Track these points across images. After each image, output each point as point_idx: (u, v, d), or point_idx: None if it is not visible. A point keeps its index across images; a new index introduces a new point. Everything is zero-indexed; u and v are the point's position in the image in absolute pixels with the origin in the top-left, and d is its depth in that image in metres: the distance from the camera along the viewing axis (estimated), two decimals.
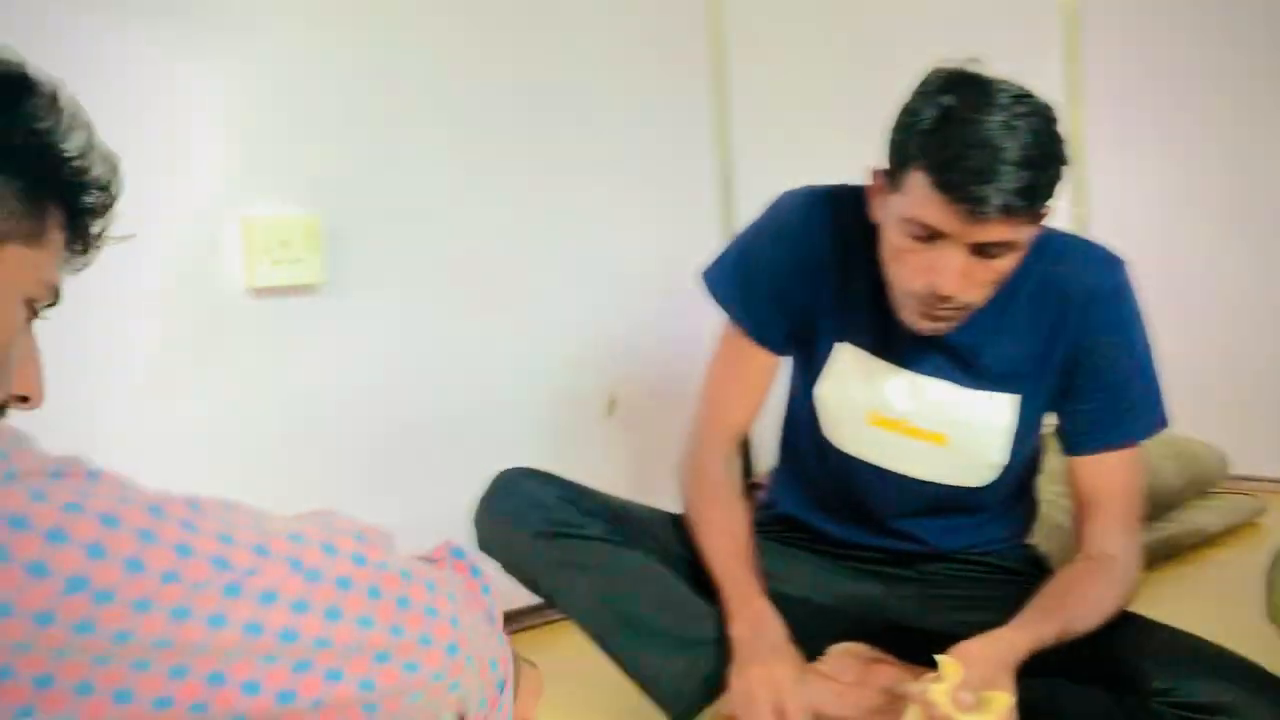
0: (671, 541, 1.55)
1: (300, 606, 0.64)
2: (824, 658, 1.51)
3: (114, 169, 0.82)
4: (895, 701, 1.43)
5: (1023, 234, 1.28)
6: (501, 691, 0.78)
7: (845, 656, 1.53)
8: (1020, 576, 1.56)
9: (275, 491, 1.05)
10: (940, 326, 1.35)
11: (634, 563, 1.48)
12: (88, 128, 0.79)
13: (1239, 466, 2.63)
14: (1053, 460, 1.59)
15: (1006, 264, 1.30)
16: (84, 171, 0.79)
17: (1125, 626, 1.38)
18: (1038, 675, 1.30)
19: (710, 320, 1.58)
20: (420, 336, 1.89)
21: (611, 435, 2.12)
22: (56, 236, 0.79)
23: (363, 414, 1.83)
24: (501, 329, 1.98)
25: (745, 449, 2.28)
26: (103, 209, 0.82)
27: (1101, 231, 2.29)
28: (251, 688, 0.62)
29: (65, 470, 0.60)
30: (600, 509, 1.53)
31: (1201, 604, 1.98)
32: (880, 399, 1.48)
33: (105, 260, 1.66)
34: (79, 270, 0.84)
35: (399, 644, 0.67)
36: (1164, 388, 1.47)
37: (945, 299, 1.30)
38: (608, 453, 2.10)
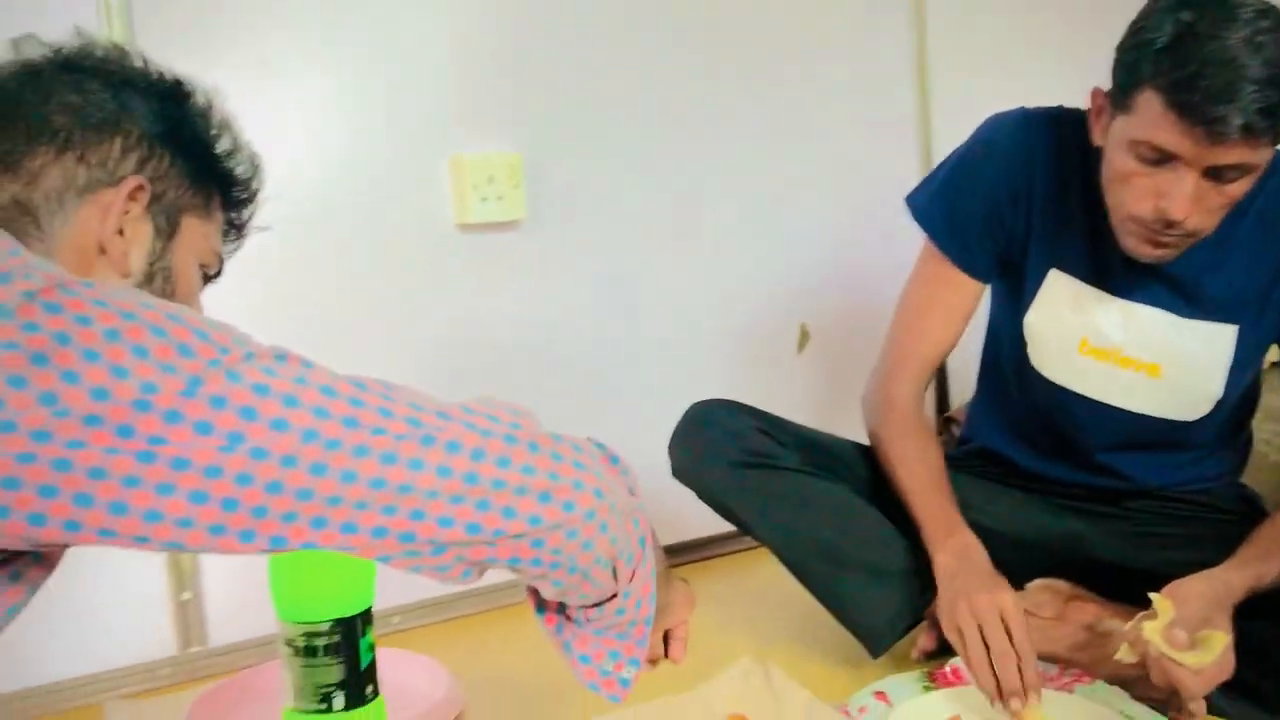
0: (863, 472, 1.56)
1: (478, 455, 0.77)
2: (1023, 592, 1.50)
3: (257, 167, 1.00)
4: (1099, 638, 1.41)
5: (1261, 157, 1.22)
6: (643, 548, 0.91)
7: (1045, 592, 1.52)
8: (1232, 516, 1.51)
9: None
10: (1164, 254, 1.31)
11: (830, 493, 1.50)
12: (234, 132, 0.97)
13: None
14: (1270, 398, 1.52)
15: (1239, 189, 1.25)
16: (232, 167, 0.96)
17: None
18: (1255, 618, 1.26)
19: (905, 251, 1.57)
20: (615, 269, 1.93)
21: (804, 367, 2.13)
22: (219, 215, 0.97)
23: (561, 345, 1.89)
24: (695, 261, 2.00)
25: (941, 382, 2.26)
26: (249, 199, 1.00)
27: None
28: (446, 521, 0.76)
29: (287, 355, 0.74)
30: (795, 439, 1.55)
31: None
32: (1093, 328, 1.45)
33: (336, 200, 1.77)
34: (231, 255, 1.01)
35: (556, 486, 0.80)
36: None
37: (1173, 225, 1.26)
38: (800, 385, 2.11)
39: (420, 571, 0.80)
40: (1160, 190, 1.24)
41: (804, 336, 2.13)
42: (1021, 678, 1.23)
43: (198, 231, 0.93)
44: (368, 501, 0.72)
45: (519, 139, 1.82)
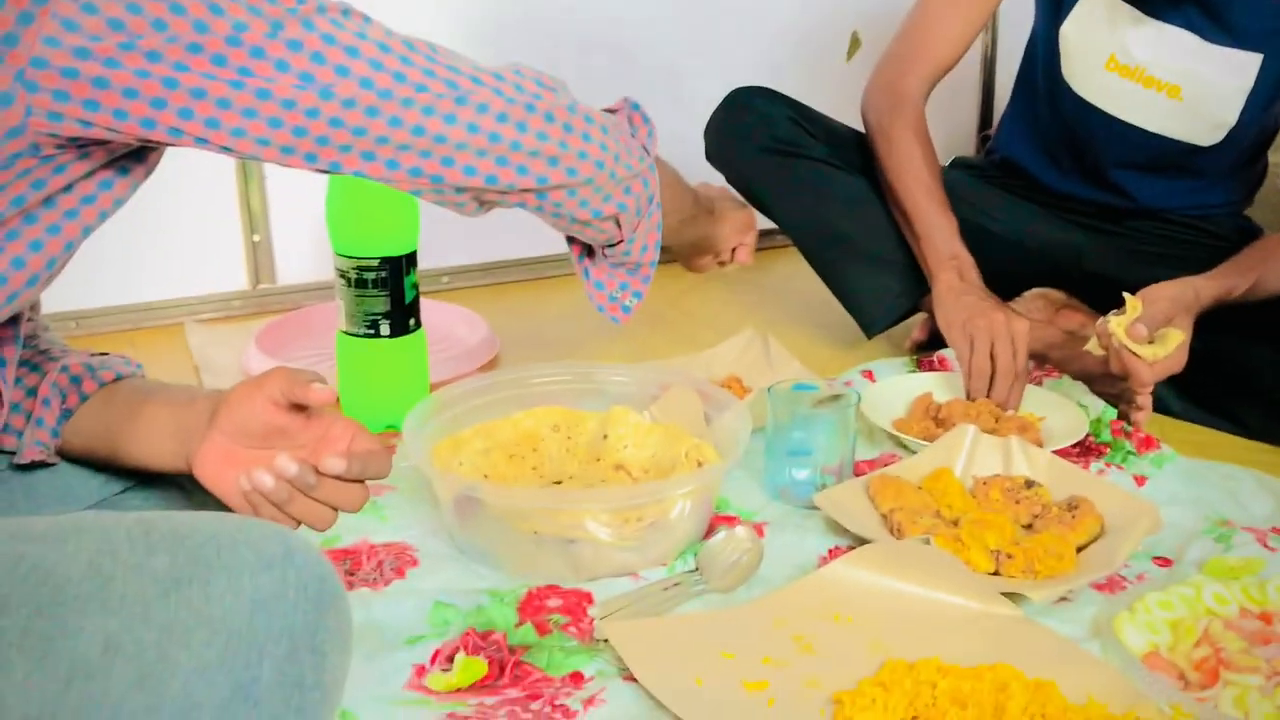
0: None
1: (502, 118, 0.91)
2: (1019, 298, 1.62)
3: None
4: (1075, 340, 1.54)
5: None
6: (651, 203, 1.06)
7: (1039, 299, 1.64)
8: (1228, 244, 1.58)
9: None
10: None
11: (848, 185, 1.60)
12: None
13: None
14: None
15: None
16: None
17: None
18: (1222, 332, 1.36)
19: None
20: None
21: (852, 76, 2.17)
22: None
23: (607, 27, 1.94)
24: None
25: (986, 99, 2.30)
26: None
27: None
28: (470, 170, 0.91)
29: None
30: (825, 132, 1.64)
31: None
32: (1121, 44, 1.49)
33: None
34: None
35: (564, 154, 0.95)
36: None
37: None
38: (845, 92, 2.15)
39: (442, 206, 0.96)
40: None
41: (855, 44, 2.16)
42: (1006, 396, 1.35)
43: None
44: (408, 144, 0.86)
45: None
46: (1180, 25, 1.46)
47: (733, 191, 1.42)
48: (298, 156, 0.83)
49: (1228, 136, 1.51)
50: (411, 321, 1.37)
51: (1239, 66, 1.46)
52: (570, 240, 1.12)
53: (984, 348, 1.37)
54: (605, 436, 1.20)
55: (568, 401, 1.24)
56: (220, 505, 0.87)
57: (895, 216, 1.56)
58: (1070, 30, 1.53)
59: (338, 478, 0.83)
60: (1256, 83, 1.46)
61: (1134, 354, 1.28)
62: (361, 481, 0.85)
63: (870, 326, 1.61)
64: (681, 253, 1.28)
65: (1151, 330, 1.28)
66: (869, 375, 1.51)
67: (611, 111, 1.07)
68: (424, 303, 1.40)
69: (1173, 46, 1.47)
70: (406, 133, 0.85)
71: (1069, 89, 1.56)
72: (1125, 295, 1.30)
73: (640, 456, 1.18)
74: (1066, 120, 1.59)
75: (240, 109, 0.79)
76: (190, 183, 1.70)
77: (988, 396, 1.36)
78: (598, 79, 1.90)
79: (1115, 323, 1.29)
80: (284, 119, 0.80)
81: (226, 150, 0.81)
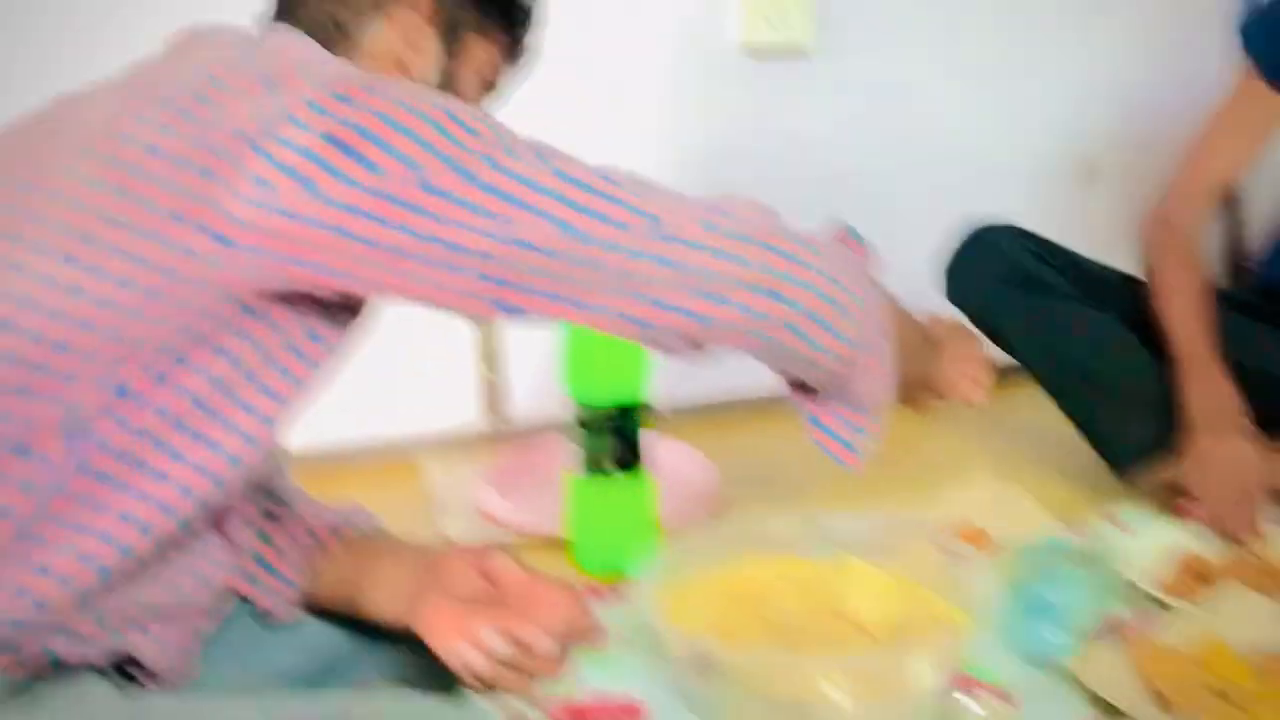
0: (1131, 304, 1.56)
1: (715, 252, 0.83)
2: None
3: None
4: None
5: None
6: (879, 335, 0.95)
7: None
8: None
9: None
10: None
11: (1095, 319, 1.53)
12: None
13: None
14: None
15: None
16: None
17: None
18: None
19: (1205, 93, 1.52)
20: (899, 94, 1.95)
21: (1089, 202, 2.10)
22: (501, 35, 1.03)
23: (840, 164, 1.94)
24: (981, 90, 1.98)
25: (1237, 220, 2.17)
26: (530, 19, 1.05)
27: None
28: (679, 309, 0.83)
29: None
30: (1068, 266, 1.58)
31: None
32: None
33: (617, 18, 1.86)
34: (516, 79, 1.08)
35: (774, 281, 0.85)
36: None
37: None
38: (1081, 219, 2.08)
39: (654, 348, 0.90)
40: None
41: (1090, 173, 2.09)
42: (1250, 523, 1.27)
43: (480, 48, 1.01)
44: (615, 288, 0.81)
45: None
46: None
47: (965, 322, 1.36)
48: (500, 307, 0.80)
49: None
50: (639, 464, 1.37)
51: None
52: (792, 383, 1.04)
53: (1216, 479, 1.31)
54: (841, 591, 1.15)
55: (801, 551, 1.20)
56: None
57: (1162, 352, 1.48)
58: None
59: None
60: None
61: None
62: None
63: (1122, 470, 1.51)
64: (904, 389, 1.16)
65: None
66: (1122, 525, 1.41)
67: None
68: (648, 436, 1.40)
69: None
70: (611, 275, 0.80)
71: None
72: None
73: (879, 614, 1.12)
74: None
75: (438, 262, 0.77)
76: (426, 322, 1.77)
77: (1225, 532, 1.29)
78: (807, 208, 1.92)
79: None
80: (484, 270, 0.77)
81: (430, 302, 0.80)
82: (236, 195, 0.74)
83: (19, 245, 0.75)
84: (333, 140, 0.75)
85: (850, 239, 0.98)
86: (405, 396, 1.82)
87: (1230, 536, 1.30)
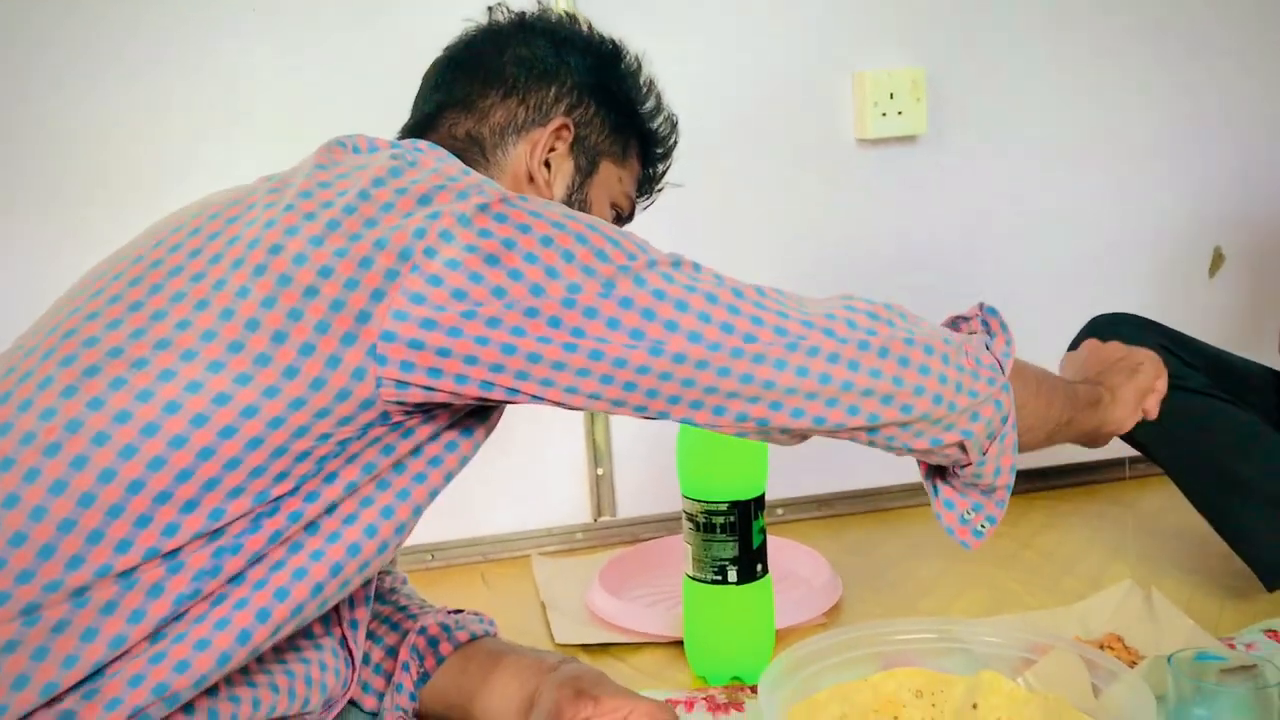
0: (1274, 400, 1.48)
1: (833, 359, 0.86)
2: None
3: (674, 126, 1.12)
4: None
5: None
6: (1005, 423, 0.96)
7: None
8: None
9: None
10: None
11: (1236, 418, 1.44)
12: (657, 93, 1.10)
13: None
14: None
15: None
16: (653, 126, 1.09)
17: None
18: None
19: None
20: (1015, 187, 1.91)
21: (1216, 292, 2.02)
22: (635, 165, 1.09)
23: (957, 261, 1.90)
24: (1100, 180, 1.94)
25: None
26: (665, 155, 1.12)
27: None
28: (798, 414, 0.87)
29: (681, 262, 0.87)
30: (1203, 360, 1.50)
31: None
32: None
33: (742, 119, 1.87)
34: (646, 205, 1.11)
35: (898, 391, 0.89)
36: None
37: None
38: (1210, 310, 2.00)
39: (765, 441, 0.92)
40: None
41: (1217, 259, 2.01)
42: None
43: (613, 175, 1.06)
44: (736, 393, 0.84)
45: (921, 53, 1.84)
46: None
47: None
48: (627, 408, 0.83)
49: None
50: (759, 568, 1.32)
51: None
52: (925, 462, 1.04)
53: None
54: (975, 706, 1.08)
55: (930, 662, 1.14)
56: None
57: None
58: None
59: None
60: None
61: None
62: None
63: (1272, 578, 1.41)
64: (1080, 442, 1.15)
65: None
66: (1274, 635, 1.32)
67: (964, 319, 1.01)
68: (767, 538, 1.35)
69: None
70: (735, 381, 0.84)
71: None
72: None
73: None
74: None
75: (574, 370, 0.79)
76: (536, 416, 1.77)
77: None
78: (929, 305, 1.88)
79: None
80: (615, 376, 0.80)
81: (560, 405, 0.82)
82: (388, 308, 0.76)
83: (167, 351, 0.76)
84: (480, 252, 0.77)
85: (992, 319, 0.99)
86: (517, 493, 1.81)
87: None
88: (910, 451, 0.94)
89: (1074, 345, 1.55)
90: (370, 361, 0.76)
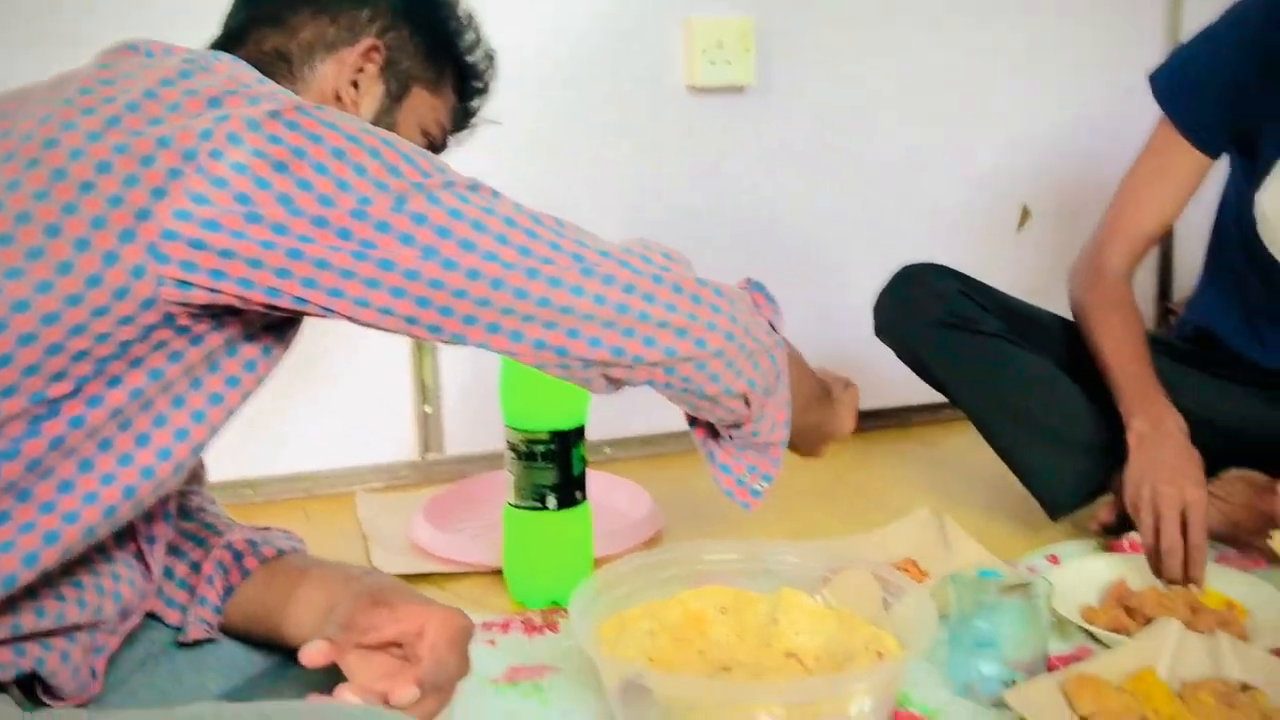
0: (1063, 345, 1.58)
1: (629, 289, 0.87)
2: (1217, 480, 1.51)
3: (492, 61, 1.11)
4: (1265, 521, 1.43)
5: None
6: (779, 379, 0.99)
7: (1239, 481, 1.52)
8: None
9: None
10: None
11: (1027, 361, 1.54)
12: (475, 26, 1.08)
13: None
14: None
15: None
16: (471, 60, 1.08)
17: None
18: None
19: (1137, 137, 1.56)
20: (837, 139, 1.98)
21: (1022, 247, 2.13)
22: (449, 95, 1.08)
23: (777, 209, 1.96)
24: (918, 135, 2.02)
25: (1165, 269, 2.22)
26: (482, 90, 1.11)
27: None
28: (595, 343, 0.86)
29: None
30: (998, 306, 1.59)
31: None
32: None
33: (572, 64, 1.84)
34: (461, 139, 1.12)
35: (692, 325, 0.90)
36: None
37: None
38: (1017, 265, 2.11)
39: (570, 381, 0.92)
40: None
41: (1025, 216, 2.13)
42: (1187, 570, 1.28)
43: (425, 103, 1.05)
44: (532, 315, 0.84)
45: (751, 4, 1.88)
46: None
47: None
48: (421, 327, 0.82)
49: None
50: (578, 495, 1.35)
51: None
52: (693, 423, 1.05)
53: (1148, 524, 1.31)
54: (776, 621, 1.14)
55: (736, 582, 1.20)
56: None
57: (1102, 389, 1.49)
58: (1266, 199, 1.46)
59: None
60: None
61: None
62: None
63: (1055, 508, 1.52)
64: (801, 436, 1.12)
65: None
66: (1054, 559, 1.43)
67: None
68: (590, 474, 1.39)
69: None
70: (531, 304, 0.83)
71: (1269, 257, 1.48)
72: None
73: (814, 644, 1.12)
74: (1266, 290, 1.51)
75: (363, 279, 0.78)
76: (364, 355, 1.76)
77: (1160, 575, 1.30)
78: (757, 260, 1.93)
79: None
80: (407, 289, 0.79)
81: (353, 320, 0.81)
82: (169, 207, 0.74)
83: None
84: (267, 158, 0.76)
85: (756, 293, 1.01)
86: (340, 429, 1.80)
87: (1171, 579, 1.30)
88: (701, 398, 0.95)
89: (884, 293, 1.63)
90: (150, 259, 0.74)
